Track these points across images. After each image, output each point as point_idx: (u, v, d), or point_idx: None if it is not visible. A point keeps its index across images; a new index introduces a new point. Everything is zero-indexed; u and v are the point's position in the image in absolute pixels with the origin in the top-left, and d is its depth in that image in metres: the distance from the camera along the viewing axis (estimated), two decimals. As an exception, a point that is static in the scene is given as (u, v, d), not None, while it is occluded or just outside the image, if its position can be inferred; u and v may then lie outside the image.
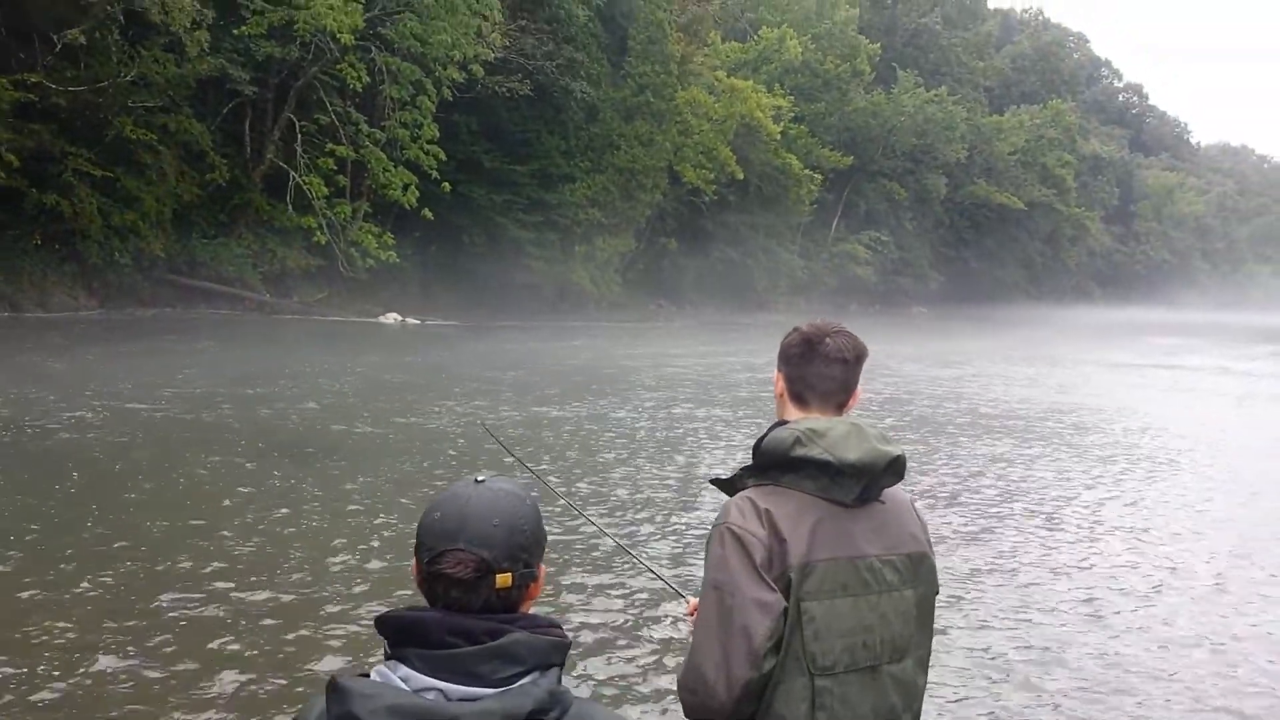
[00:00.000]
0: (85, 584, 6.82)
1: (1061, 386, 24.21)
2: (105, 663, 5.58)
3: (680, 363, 25.24)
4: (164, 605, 6.51)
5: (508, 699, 1.48)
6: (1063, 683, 6.08)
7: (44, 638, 5.91)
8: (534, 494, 1.72)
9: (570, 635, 1.45)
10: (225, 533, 8.18)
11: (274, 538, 8.16)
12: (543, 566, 1.67)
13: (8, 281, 26.36)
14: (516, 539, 1.60)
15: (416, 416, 14.61)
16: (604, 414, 15.90)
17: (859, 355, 2.38)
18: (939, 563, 2.47)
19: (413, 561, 1.65)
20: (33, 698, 5.14)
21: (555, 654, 1.57)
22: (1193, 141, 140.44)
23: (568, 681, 1.46)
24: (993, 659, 6.40)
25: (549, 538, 1.76)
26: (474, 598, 1.57)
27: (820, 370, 2.35)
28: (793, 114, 55.62)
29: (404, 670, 1.51)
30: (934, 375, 25.05)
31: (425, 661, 1.51)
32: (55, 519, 8.39)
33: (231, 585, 6.93)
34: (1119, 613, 7.42)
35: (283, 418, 14.10)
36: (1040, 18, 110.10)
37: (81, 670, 5.48)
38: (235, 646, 5.93)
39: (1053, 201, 77.60)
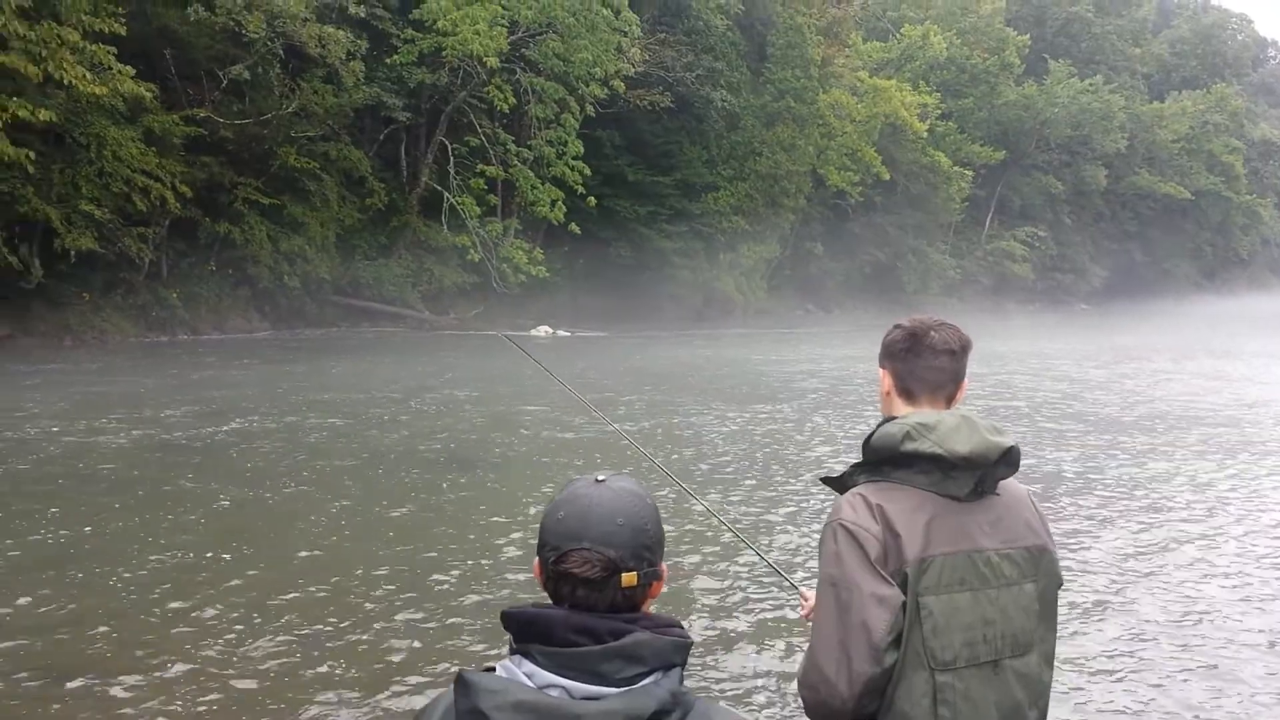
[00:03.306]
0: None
1: (1252, 379, 23.15)
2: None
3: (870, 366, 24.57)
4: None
5: (631, 699, 1.47)
6: None
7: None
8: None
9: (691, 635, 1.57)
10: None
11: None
12: (664, 565, 1.66)
13: (186, 307, 27.89)
14: (641, 539, 1.59)
15: (679, 415, 15.31)
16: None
17: (964, 346, 2.36)
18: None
19: (535, 560, 1.64)
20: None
21: (677, 654, 1.55)
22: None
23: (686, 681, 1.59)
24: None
25: (679, 530, 1.86)
26: (600, 597, 1.56)
27: (929, 363, 2.33)
28: (939, 111, 54.46)
29: (528, 666, 1.51)
30: (1117, 373, 24.02)
31: (549, 658, 1.50)
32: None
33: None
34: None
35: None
36: (1199, 0, 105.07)
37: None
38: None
39: (1221, 189, 74.03)
